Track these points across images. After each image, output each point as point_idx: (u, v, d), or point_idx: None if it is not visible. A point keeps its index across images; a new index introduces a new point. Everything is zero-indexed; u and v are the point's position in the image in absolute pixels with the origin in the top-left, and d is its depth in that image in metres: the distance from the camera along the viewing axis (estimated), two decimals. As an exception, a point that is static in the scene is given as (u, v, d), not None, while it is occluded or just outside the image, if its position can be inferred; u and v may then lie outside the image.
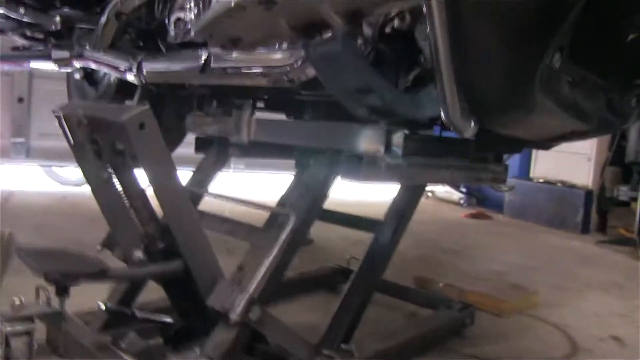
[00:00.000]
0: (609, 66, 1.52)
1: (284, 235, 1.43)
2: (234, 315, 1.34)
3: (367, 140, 1.43)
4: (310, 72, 1.40)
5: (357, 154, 1.39)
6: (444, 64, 1.16)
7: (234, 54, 1.61)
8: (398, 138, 1.42)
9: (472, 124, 1.25)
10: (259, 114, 1.89)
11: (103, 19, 2.08)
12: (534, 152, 5.68)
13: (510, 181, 3.18)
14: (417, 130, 1.47)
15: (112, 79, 2.58)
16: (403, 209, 1.92)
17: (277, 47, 1.49)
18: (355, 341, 1.78)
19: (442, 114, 1.25)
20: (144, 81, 1.99)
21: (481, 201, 6.25)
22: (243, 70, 1.58)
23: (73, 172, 5.13)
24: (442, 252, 3.95)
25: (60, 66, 2.47)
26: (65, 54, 2.40)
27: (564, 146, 5.33)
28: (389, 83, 1.29)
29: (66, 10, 2.48)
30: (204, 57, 1.69)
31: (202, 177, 2.01)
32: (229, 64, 1.62)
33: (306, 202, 1.55)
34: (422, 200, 6.16)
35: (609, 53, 1.53)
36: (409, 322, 2.33)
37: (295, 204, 1.56)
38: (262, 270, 1.40)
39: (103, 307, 1.66)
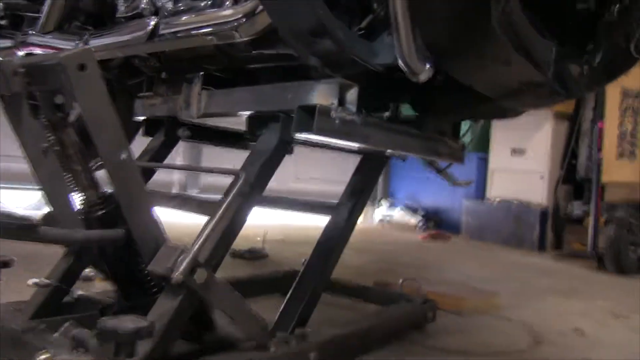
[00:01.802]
0: (561, 32, 1.53)
1: (230, 196, 1.35)
2: (176, 275, 1.23)
3: (321, 95, 1.38)
4: (259, 24, 1.36)
5: (310, 108, 1.32)
6: (400, 3, 1.13)
7: (183, 17, 1.56)
8: (352, 94, 1.39)
9: (428, 65, 1.22)
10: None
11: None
12: (490, 172, 5.77)
13: (468, 179, 3.16)
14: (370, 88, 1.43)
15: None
16: (360, 188, 1.87)
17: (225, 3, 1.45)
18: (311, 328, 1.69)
19: (398, 56, 1.21)
20: (89, 59, 1.90)
21: (438, 224, 6.28)
22: (193, 32, 1.52)
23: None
24: (402, 266, 3.90)
25: (3, 56, 2.36)
26: (7, 42, 2.29)
27: (519, 165, 5.49)
28: (343, 24, 1.24)
29: (11, -1, 2.39)
30: (152, 24, 1.62)
31: (149, 158, 1.91)
32: (178, 27, 1.56)
33: (257, 166, 1.48)
34: (379, 226, 6.21)
35: (561, 21, 1.54)
36: (369, 313, 2.24)
37: (245, 167, 1.48)
38: (207, 231, 1.30)
39: (34, 282, 1.52)
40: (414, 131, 1.61)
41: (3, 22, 2.46)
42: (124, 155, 1.28)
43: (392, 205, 6.73)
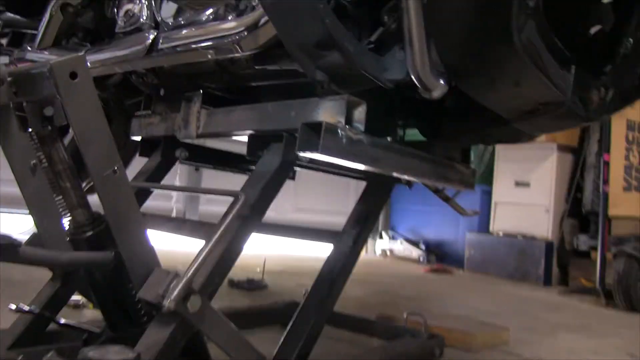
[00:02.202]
0: (578, 53, 1.46)
1: (229, 218, 1.25)
2: (168, 302, 1.13)
3: (327, 113, 1.30)
4: (262, 38, 1.29)
5: (315, 126, 1.24)
6: (414, 12, 1.07)
7: (183, 31, 1.50)
8: (360, 112, 1.31)
9: (442, 81, 1.15)
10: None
11: (46, 15, 1.94)
12: (494, 205, 5.68)
13: (475, 209, 3.08)
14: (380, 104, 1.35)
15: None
16: (365, 215, 1.78)
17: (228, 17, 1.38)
18: (312, 362, 1.58)
19: (410, 71, 1.14)
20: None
21: (441, 258, 6.16)
22: (192, 46, 1.45)
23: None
24: (405, 298, 3.77)
25: None
26: (4, 59, 2.23)
27: (523, 198, 5.40)
28: (352, 36, 1.17)
29: (9, 15, 2.34)
30: (150, 38, 1.56)
31: (144, 180, 1.82)
32: (178, 41, 1.50)
33: (258, 188, 1.39)
34: (380, 258, 6.09)
35: (575, 43, 1.48)
36: (374, 348, 2.12)
37: (245, 188, 1.39)
38: (202, 255, 1.21)
39: (15, 308, 1.42)
40: (424, 154, 1.53)
41: (2, 40, 2.42)
42: (115, 170, 1.19)
43: (393, 238, 6.62)
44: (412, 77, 1.14)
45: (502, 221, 5.58)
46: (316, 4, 1.09)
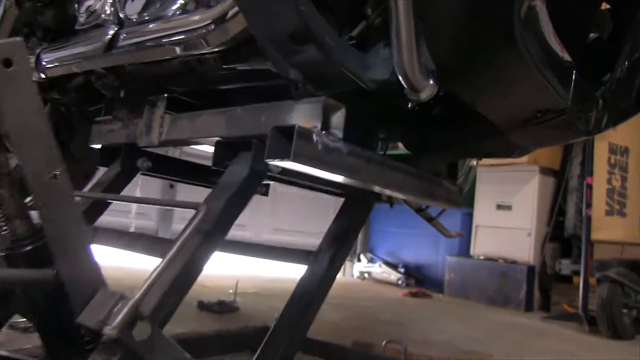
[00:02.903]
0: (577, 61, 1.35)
1: (186, 234, 1.10)
2: (109, 330, 0.97)
3: (301, 117, 1.16)
4: (231, 31, 1.15)
5: (287, 130, 1.10)
6: (402, 3, 0.94)
7: (146, 27, 1.35)
8: (339, 117, 1.17)
9: (431, 81, 1.02)
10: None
11: (0, 9, 1.79)
12: (474, 228, 5.58)
13: (459, 231, 2.97)
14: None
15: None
16: (343, 234, 1.63)
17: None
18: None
19: (397, 69, 1.01)
20: (43, 75, 1.68)
21: (420, 281, 6.03)
22: (155, 43, 1.31)
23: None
24: (382, 323, 3.62)
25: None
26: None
27: (505, 221, 5.31)
28: (331, 28, 1.04)
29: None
30: (110, 33, 1.41)
31: (101, 191, 1.65)
32: (139, 38, 1.35)
33: (222, 200, 1.24)
34: (358, 281, 5.91)
35: (574, 49, 1.37)
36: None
37: (208, 200, 1.24)
38: (154, 275, 1.05)
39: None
40: (408, 168, 1.40)
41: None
42: (55, 176, 1.03)
43: (372, 260, 6.48)
44: (399, 75, 1.01)
45: (483, 244, 5.48)
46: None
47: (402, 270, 6.12)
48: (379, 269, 6.31)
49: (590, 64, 1.42)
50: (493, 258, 5.28)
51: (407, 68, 0.99)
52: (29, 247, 1.16)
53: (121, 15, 1.49)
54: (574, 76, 1.17)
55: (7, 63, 0.96)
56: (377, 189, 1.37)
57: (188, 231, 1.15)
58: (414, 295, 5.33)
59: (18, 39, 0.98)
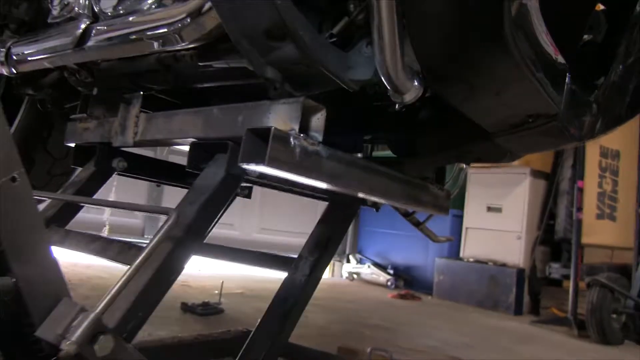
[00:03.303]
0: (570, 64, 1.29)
1: (155, 241, 1.03)
2: (68, 344, 0.90)
3: (279, 118, 1.10)
4: (207, 25, 1.08)
5: (263, 133, 1.04)
6: (385, 3, 0.88)
7: (119, 21, 1.29)
8: (318, 119, 1.11)
9: (416, 83, 0.96)
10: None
11: (-30, 1, 1.71)
12: (464, 230, 5.54)
13: (447, 235, 2.92)
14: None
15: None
16: (325, 240, 1.57)
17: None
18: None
19: (379, 70, 0.95)
20: (14, 71, 1.61)
21: (409, 283, 5.98)
22: (128, 38, 1.24)
23: None
24: (370, 328, 3.56)
25: None
26: None
27: (495, 224, 5.27)
28: (310, 24, 0.97)
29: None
30: (82, 27, 1.34)
31: (73, 193, 1.58)
32: (112, 32, 1.29)
33: (196, 205, 1.17)
34: (347, 282, 5.80)
35: (567, 51, 1.31)
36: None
37: (180, 205, 1.17)
38: (119, 284, 0.98)
39: None
40: (394, 173, 1.34)
41: None
42: (13, 178, 0.96)
43: (361, 261, 6.42)
44: (381, 76, 0.95)
45: (472, 247, 5.44)
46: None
47: (391, 271, 6.08)
48: (368, 270, 6.26)
49: (583, 66, 1.36)
50: (483, 261, 5.24)
51: (390, 68, 0.93)
52: (-12, 253, 1.09)
53: (95, 9, 1.43)
54: (567, 79, 1.11)
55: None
56: (360, 195, 1.31)
57: (157, 238, 1.08)
58: (402, 298, 5.28)
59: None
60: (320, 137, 1.10)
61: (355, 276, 6.35)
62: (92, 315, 0.93)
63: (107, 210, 4.71)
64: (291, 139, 1.03)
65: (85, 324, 0.92)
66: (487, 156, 1.36)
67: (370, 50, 1.00)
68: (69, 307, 0.97)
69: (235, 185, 1.26)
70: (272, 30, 0.95)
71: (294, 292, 1.53)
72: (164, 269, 1.14)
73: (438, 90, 1.06)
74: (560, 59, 1.09)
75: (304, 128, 1.09)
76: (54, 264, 1.05)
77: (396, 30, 0.92)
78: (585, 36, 1.41)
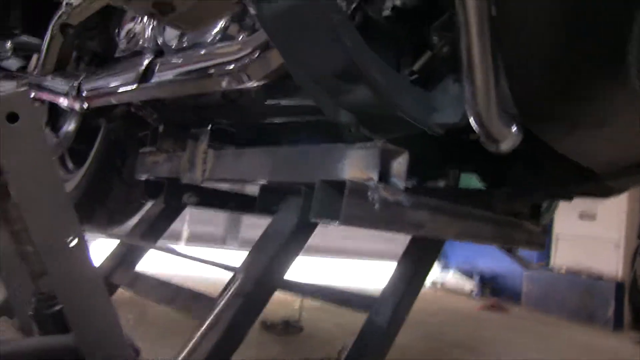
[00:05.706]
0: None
1: (224, 300, 0.95)
2: None
3: (354, 165, 0.98)
4: (275, 61, 0.98)
5: (337, 185, 0.92)
6: (477, 28, 0.74)
7: (182, 56, 1.22)
8: (400, 164, 0.98)
9: (514, 129, 0.81)
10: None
11: (48, 36, 1.72)
12: (554, 238, 5.19)
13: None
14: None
15: (71, 126, 2.18)
16: (407, 282, 1.44)
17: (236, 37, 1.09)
18: None
19: (469, 114, 0.81)
20: (84, 107, 1.59)
21: (496, 292, 5.68)
22: (190, 75, 1.17)
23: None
24: (455, 346, 3.37)
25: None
26: (12, 84, 2.03)
27: (588, 231, 4.89)
28: (385, 63, 0.85)
29: (23, 38, 2.15)
30: (145, 63, 1.29)
31: (144, 231, 1.54)
32: (175, 70, 1.22)
33: (264, 259, 1.08)
34: (429, 291, 5.54)
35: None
36: None
37: (248, 261, 1.08)
38: (190, 347, 0.91)
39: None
40: (483, 213, 1.19)
41: (13, 62, 2.23)
42: (69, 242, 0.91)
43: (445, 267, 6.17)
44: (472, 121, 0.81)
45: (564, 256, 5.08)
46: (331, 15, 0.77)
47: (476, 279, 5.80)
48: (452, 278, 6.02)
49: None
50: (576, 271, 4.87)
51: (482, 112, 0.79)
52: (56, 307, 1.05)
53: (159, 42, 1.37)
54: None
55: (12, 118, 0.84)
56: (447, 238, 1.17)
57: (227, 297, 1.00)
58: (489, 309, 5.01)
59: (23, 89, 0.85)
60: (402, 184, 0.98)
61: (439, 285, 6.12)
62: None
63: (186, 218, 4.75)
64: (369, 193, 0.91)
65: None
66: (591, 194, 1.18)
67: (459, 89, 0.86)
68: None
69: (309, 232, 1.16)
70: (342, 72, 0.83)
71: (375, 335, 1.40)
72: (234, 326, 1.06)
73: (538, 133, 0.89)
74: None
75: (384, 174, 0.96)
76: (115, 327, 0.99)
77: (491, 66, 0.77)
78: None
